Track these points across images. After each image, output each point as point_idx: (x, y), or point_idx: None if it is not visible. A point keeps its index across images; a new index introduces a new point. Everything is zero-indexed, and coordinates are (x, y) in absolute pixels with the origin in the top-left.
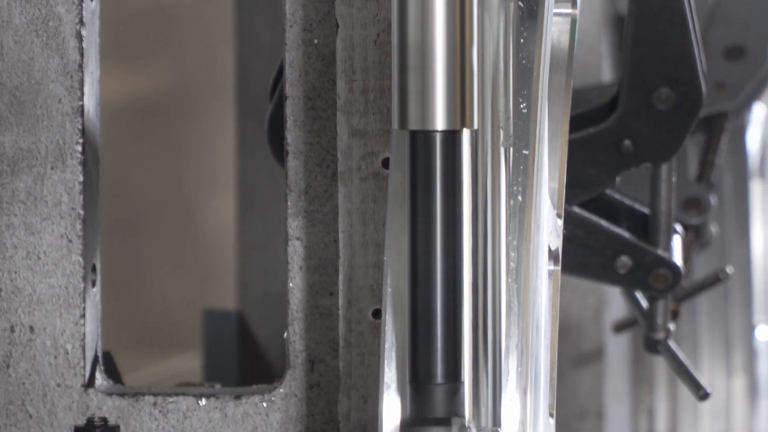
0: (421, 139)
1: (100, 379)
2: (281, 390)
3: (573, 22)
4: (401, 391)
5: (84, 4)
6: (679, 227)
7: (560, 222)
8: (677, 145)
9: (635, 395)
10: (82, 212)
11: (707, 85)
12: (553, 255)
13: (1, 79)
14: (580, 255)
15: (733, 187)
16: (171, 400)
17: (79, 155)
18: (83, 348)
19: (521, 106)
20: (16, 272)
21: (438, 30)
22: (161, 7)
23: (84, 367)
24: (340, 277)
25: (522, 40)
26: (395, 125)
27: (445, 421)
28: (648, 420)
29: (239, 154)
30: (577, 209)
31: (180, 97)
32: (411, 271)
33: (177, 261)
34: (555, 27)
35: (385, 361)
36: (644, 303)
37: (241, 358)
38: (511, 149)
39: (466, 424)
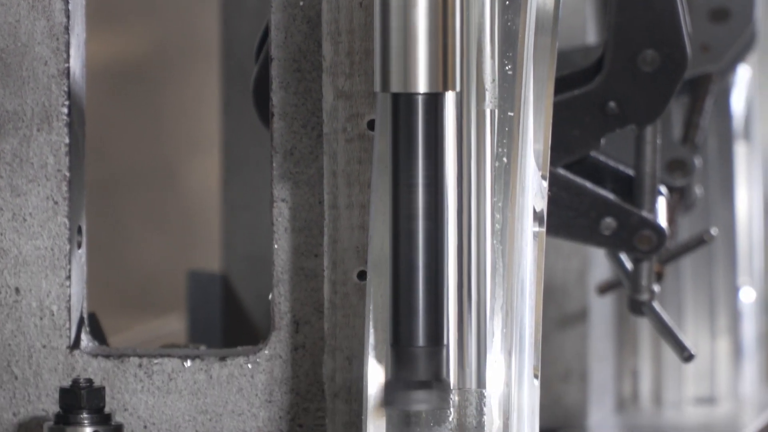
0: (403, 102)
1: (85, 340)
2: (266, 351)
3: None
4: (384, 353)
5: None
6: (663, 189)
7: (545, 184)
8: (662, 107)
9: (619, 357)
10: (68, 174)
11: (692, 47)
12: (537, 217)
13: None
14: (565, 216)
15: (718, 149)
16: (156, 361)
17: (65, 117)
18: (69, 309)
19: (506, 68)
20: (1, 234)
21: None
22: None
23: (69, 329)
24: (326, 238)
25: (507, 2)
26: (377, 87)
27: (427, 385)
28: (632, 381)
29: (224, 115)
30: (561, 171)
31: (165, 58)
32: (393, 235)
33: (161, 223)
34: None
35: (370, 323)
36: (629, 265)
37: (225, 320)
38: (496, 111)
39: (448, 387)
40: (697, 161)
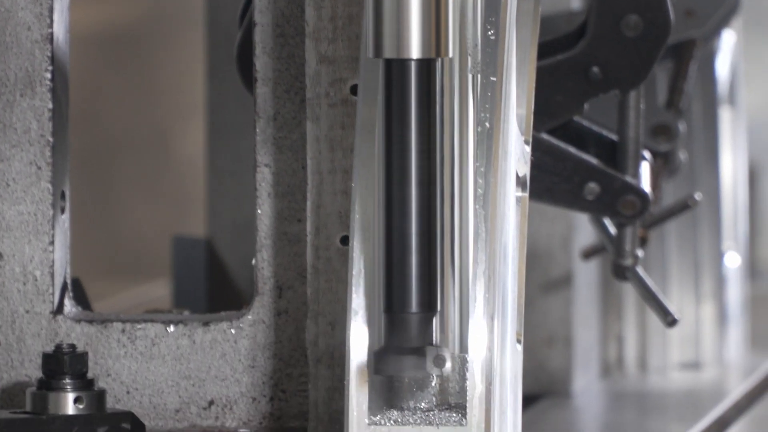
0: (396, 68)
1: (68, 305)
2: (249, 317)
3: None
4: (369, 319)
5: None
6: (647, 154)
7: (528, 149)
8: (645, 72)
9: (604, 322)
10: (51, 139)
11: (676, 12)
12: (520, 182)
13: None
14: (548, 181)
15: (702, 114)
16: (139, 326)
17: (49, 82)
18: (52, 275)
19: (489, 32)
20: None
21: None
22: None
23: (53, 294)
24: (308, 203)
25: None
26: (369, 53)
27: (420, 351)
28: (617, 346)
29: (209, 81)
30: (545, 136)
31: (150, 24)
32: (385, 202)
33: (147, 188)
34: None
35: (353, 288)
36: (612, 230)
37: (210, 285)
38: (479, 76)
39: (441, 353)
40: (682, 126)
